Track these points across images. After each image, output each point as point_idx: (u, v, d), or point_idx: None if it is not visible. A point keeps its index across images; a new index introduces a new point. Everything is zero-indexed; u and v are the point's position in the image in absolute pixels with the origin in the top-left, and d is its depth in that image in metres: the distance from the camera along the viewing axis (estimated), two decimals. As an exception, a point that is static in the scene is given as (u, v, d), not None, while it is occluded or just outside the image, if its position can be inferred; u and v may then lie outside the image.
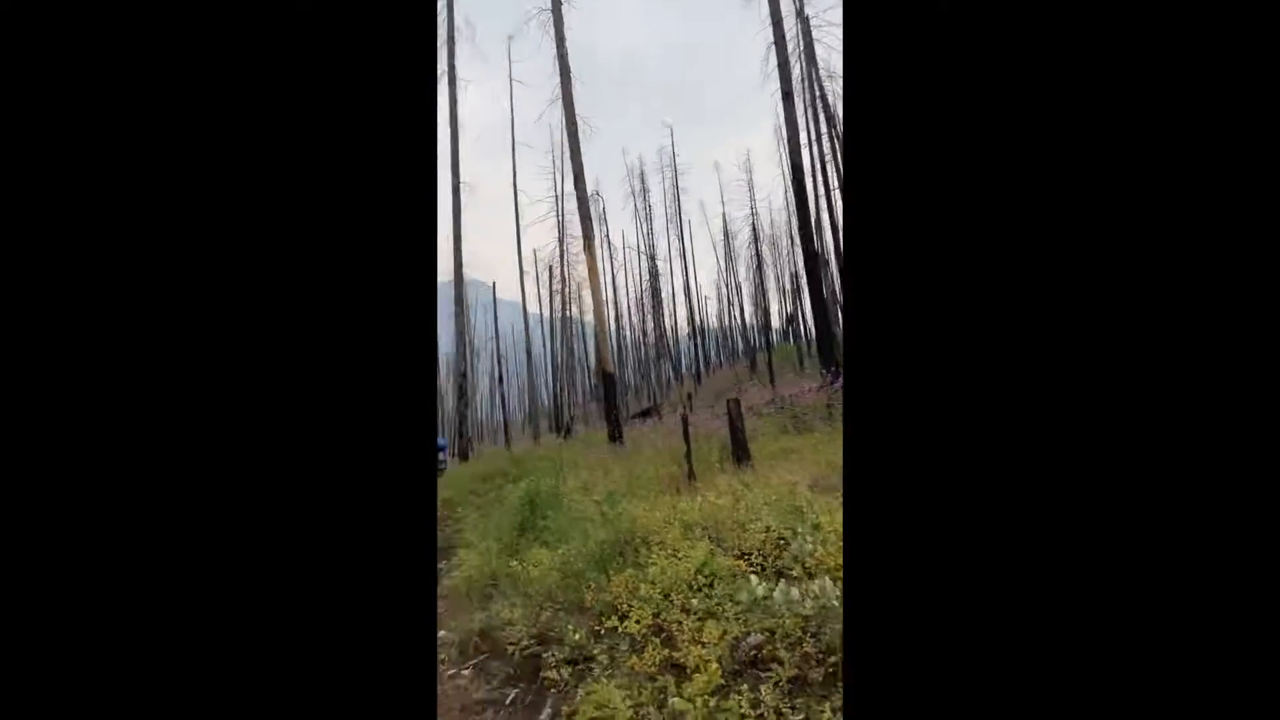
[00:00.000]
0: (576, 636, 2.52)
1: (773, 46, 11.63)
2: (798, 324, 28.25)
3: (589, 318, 28.29)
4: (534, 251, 37.69)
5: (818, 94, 17.29)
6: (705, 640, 2.15)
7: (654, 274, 28.83)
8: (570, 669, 2.46)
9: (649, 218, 29.73)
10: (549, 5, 11.49)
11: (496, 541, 4.38)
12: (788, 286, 29.62)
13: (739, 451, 5.95)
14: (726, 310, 33.79)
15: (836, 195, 17.36)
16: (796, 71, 15.69)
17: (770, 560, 2.93)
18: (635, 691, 2.06)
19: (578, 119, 10.85)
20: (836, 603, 2.24)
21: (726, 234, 31.05)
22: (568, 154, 21.28)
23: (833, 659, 2.01)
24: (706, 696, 1.89)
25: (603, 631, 2.51)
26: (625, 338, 33.02)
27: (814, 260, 11.40)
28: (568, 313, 25.15)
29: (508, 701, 2.57)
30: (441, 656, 3.16)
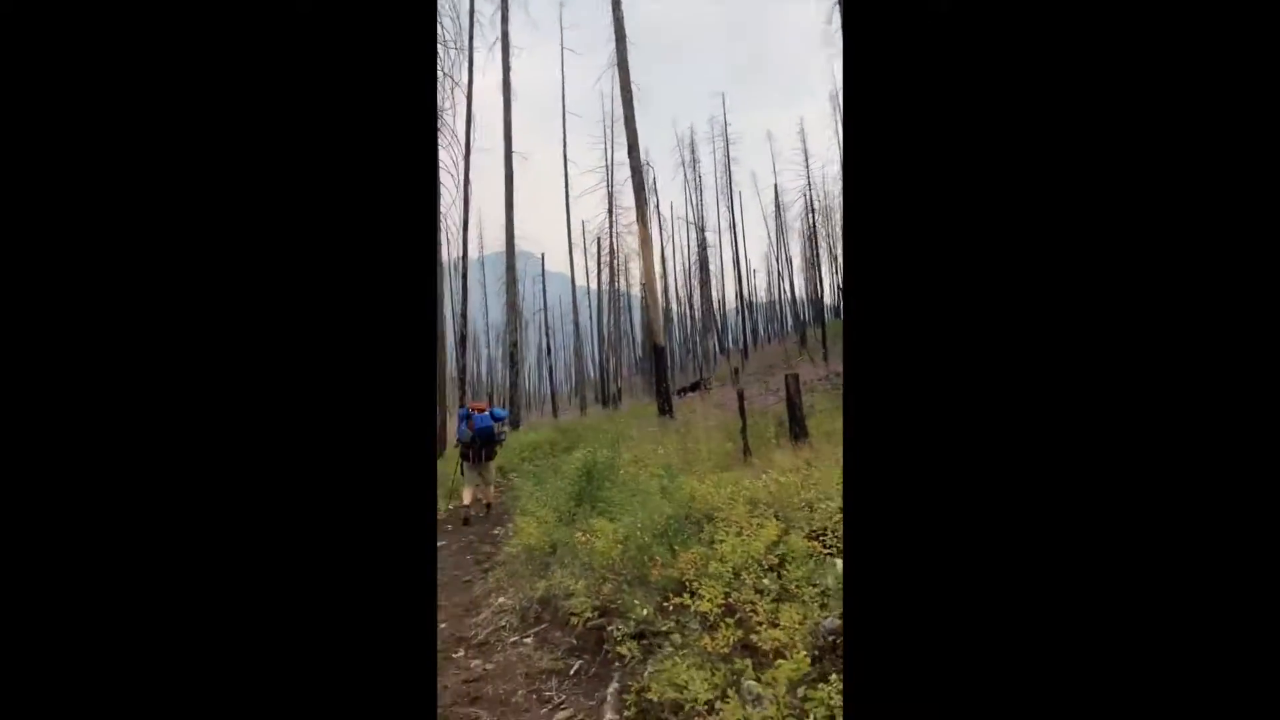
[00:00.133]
0: (644, 612, 2.47)
1: (838, 5, 11.05)
2: (850, 299, 27.30)
3: (635, 290, 28.18)
4: (582, 223, 37.66)
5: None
6: (782, 623, 2.05)
7: (703, 246, 28.41)
8: (636, 644, 2.41)
9: (699, 189, 29.19)
10: (605, -34, 11.18)
11: (553, 511, 4.39)
12: (841, 259, 28.68)
13: (796, 428, 5.79)
14: (776, 284, 33.12)
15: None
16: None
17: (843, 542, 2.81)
18: (709, 672, 2.00)
19: (633, 85, 10.60)
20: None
21: (778, 205, 30.25)
22: (618, 123, 20.90)
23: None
24: (792, 683, 1.81)
25: (671, 608, 2.45)
26: (672, 311, 32.83)
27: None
28: (616, 285, 25.09)
29: (572, 672, 2.55)
30: (502, 622, 3.18)
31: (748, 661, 1.98)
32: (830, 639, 2.05)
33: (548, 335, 26.68)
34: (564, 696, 2.37)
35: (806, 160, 27.80)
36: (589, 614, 2.76)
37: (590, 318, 30.34)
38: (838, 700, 1.68)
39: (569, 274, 26.17)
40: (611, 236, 23.53)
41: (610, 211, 22.46)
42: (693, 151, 29.54)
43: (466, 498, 6.31)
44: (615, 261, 24.43)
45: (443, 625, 3.31)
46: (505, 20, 14.33)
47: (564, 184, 21.30)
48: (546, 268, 29.84)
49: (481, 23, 14.54)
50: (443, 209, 13.02)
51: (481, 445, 6.25)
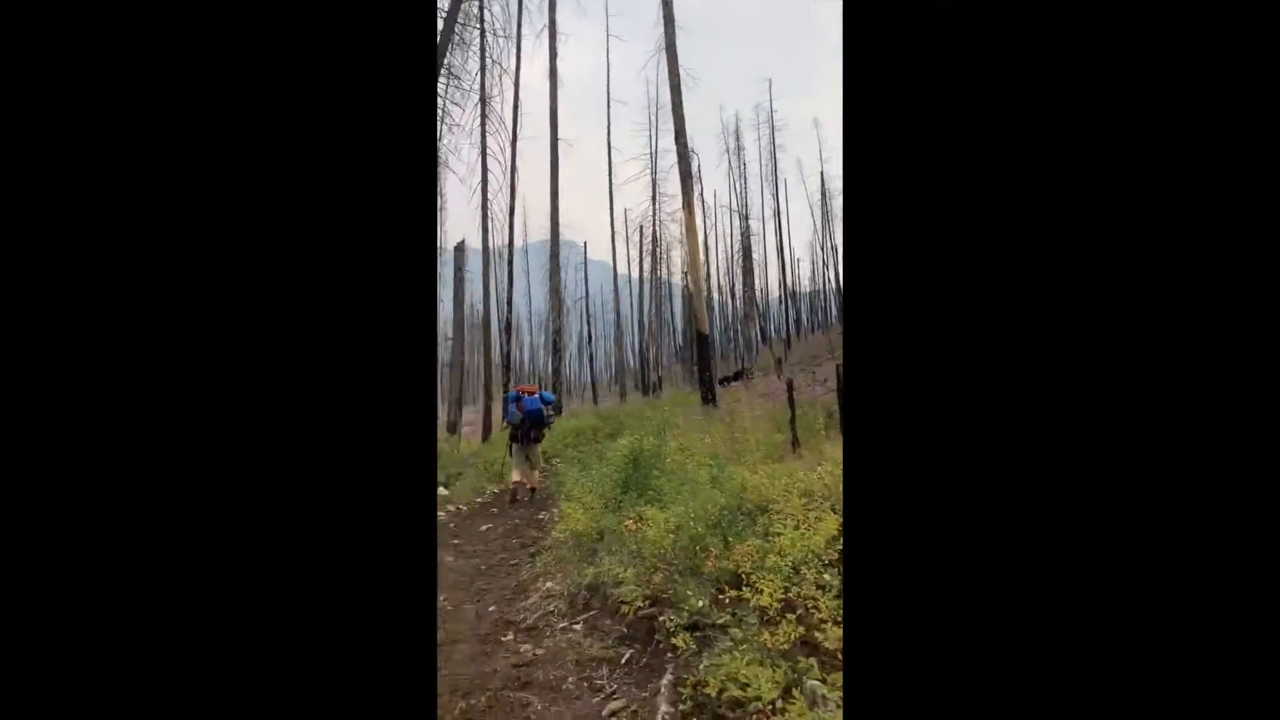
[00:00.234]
0: (699, 604, 2.40)
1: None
2: (898, 290, 26.51)
3: (676, 279, 28.00)
4: (625, 211, 37.54)
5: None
6: (848, 622, 1.95)
7: (746, 234, 27.99)
8: (690, 635, 2.35)
9: (743, 176, 28.72)
10: (653, -52, 10.98)
11: (599, 497, 4.36)
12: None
13: (848, 420, 5.60)
14: (821, 273, 32.42)
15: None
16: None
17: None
18: (770, 669, 1.92)
19: (681, 70, 10.42)
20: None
21: (824, 193, 29.51)
22: (663, 110, 20.65)
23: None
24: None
25: (727, 601, 2.38)
26: (713, 300, 32.50)
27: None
28: (658, 273, 24.95)
29: (623, 661, 2.51)
30: (550, 608, 3.17)
31: (812, 661, 1.89)
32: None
33: (589, 323, 26.78)
34: (615, 686, 2.33)
35: (855, 146, 26.92)
36: (640, 603, 2.71)
37: (631, 306, 30.32)
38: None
39: (610, 262, 26.16)
40: (654, 224, 23.40)
41: (654, 199, 22.31)
42: (737, 138, 29.06)
43: (515, 477, 6.41)
44: (658, 249, 24.29)
45: (491, 608, 3.32)
46: (553, 7, 14.29)
47: (608, 171, 21.24)
48: (588, 256, 29.90)
49: (530, 9, 14.47)
50: (490, 195, 13.12)
51: (530, 427, 6.34)
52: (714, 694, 1.91)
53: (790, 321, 30.05)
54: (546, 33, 14.26)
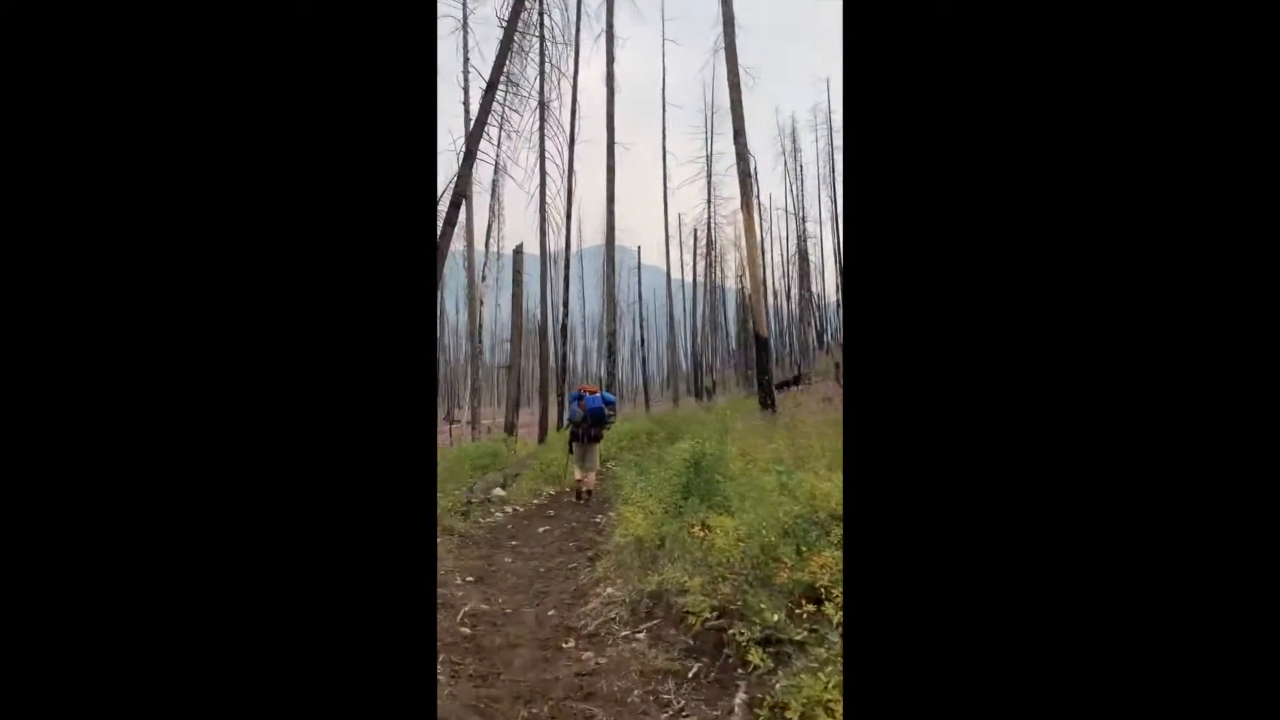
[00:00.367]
0: (773, 617, 2.25)
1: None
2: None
3: (730, 283, 27.66)
4: (679, 215, 37.47)
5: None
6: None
7: (802, 237, 27.42)
8: (764, 651, 2.20)
9: (799, 178, 28.16)
10: (712, -53, 10.86)
11: (659, 502, 4.24)
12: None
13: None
14: (881, 278, 31.29)
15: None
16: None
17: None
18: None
19: (740, 69, 10.25)
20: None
21: (886, 195, 28.52)
22: (718, 113, 20.46)
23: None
24: None
25: (804, 615, 2.22)
26: (768, 303, 31.99)
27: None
28: (713, 276, 24.74)
29: (690, 675, 2.38)
30: (611, 614, 3.07)
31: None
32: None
33: (642, 327, 26.74)
34: (684, 701, 2.20)
35: (919, 145, 26.05)
36: (707, 614, 2.58)
37: (684, 310, 30.14)
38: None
39: (663, 267, 26.08)
40: (709, 227, 23.20)
41: (709, 201, 22.13)
42: (794, 140, 28.51)
43: (577, 475, 6.48)
44: (714, 252, 24.09)
45: (550, 613, 3.24)
46: (611, 13, 14.35)
47: (662, 175, 21.20)
48: (641, 261, 29.91)
49: (588, 14, 14.54)
50: (548, 199, 13.26)
51: (590, 426, 6.37)
52: (795, 718, 1.76)
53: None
54: (604, 37, 14.35)
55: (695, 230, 25.93)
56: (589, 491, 6.44)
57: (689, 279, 29.09)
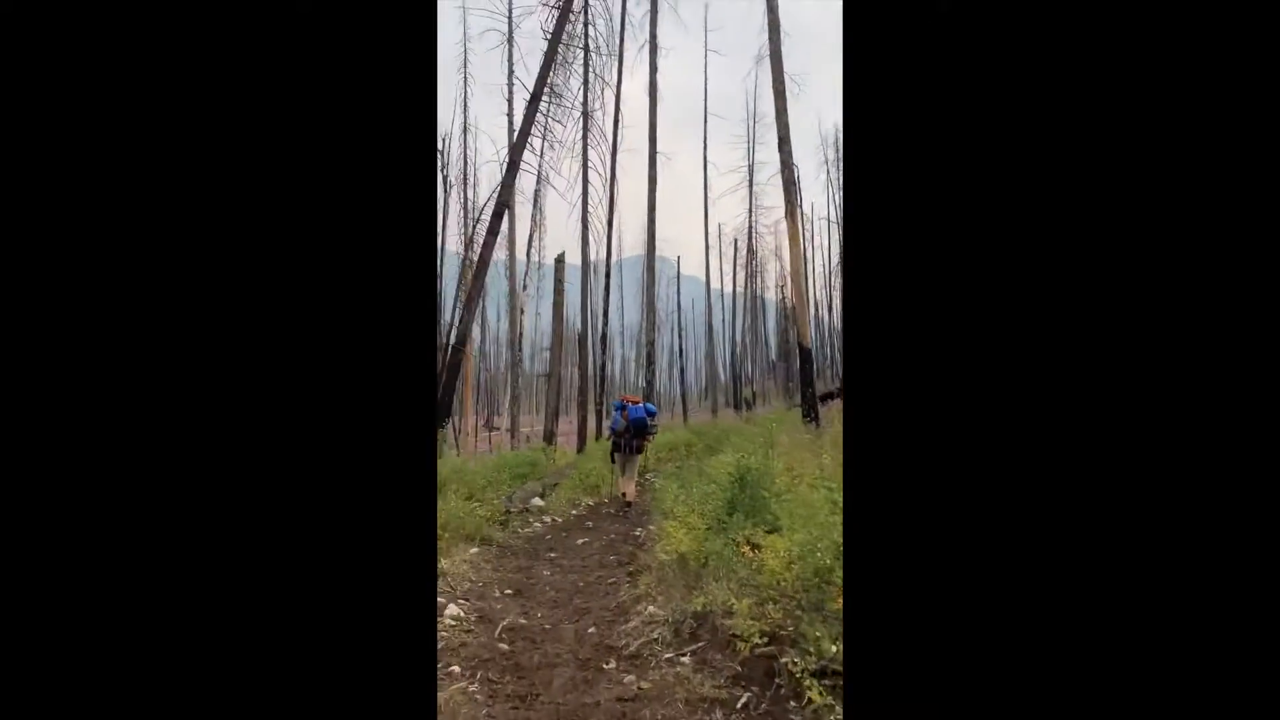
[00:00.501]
0: (831, 648, 2.10)
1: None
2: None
3: (770, 294, 27.30)
4: (719, 225, 37.31)
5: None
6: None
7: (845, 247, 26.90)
8: (821, 685, 2.05)
9: (842, 188, 27.67)
10: (758, -46, 10.76)
11: (701, 517, 4.11)
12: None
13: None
14: (927, 289, 30.48)
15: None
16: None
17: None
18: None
19: (785, 76, 10.10)
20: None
21: (933, 203, 27.82)
22: (760, 122, 20.29)
23: None
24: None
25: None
26: (809, 315, 31.44)
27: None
28: (754, 286, 24.46)
29: (739, 704, 2.24)
30: (653, 635, 2.95)
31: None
32: None
33: (680, 337, 26.57)
34: (733, 734, 2.07)
35: (968, 153, 25.33)
36: (756, 639, 2.43)
37: (723, 320, 29.89)
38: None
39: (702, 277, 25.91)
40: (750, 237, 22.99)
41: (751, 211, 21.93)
42: (837, 150, 28.09)
43: (623, 485, 6.45)
44: (755, 262, 23.85)
45: (590, 630, 3.14)
46: (654, 23, 14.39)
47: (703, 185, 21.10)
48: (680, 271, 29.78)
49: (633, 23, 14.62)
50: (589, 209, 13.30)
51: (633, 436, 6.31)
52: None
53: (893, 338, 28.40)
54: (647, 47, 14.38)
55: (736, 240, 25.73)
56: (629, 503, 6.34)
57: (728, 289, 28.85)
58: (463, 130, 15.50)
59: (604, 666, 2.66)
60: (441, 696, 2.32)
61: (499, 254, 12.97)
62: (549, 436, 12.08)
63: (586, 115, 13.58)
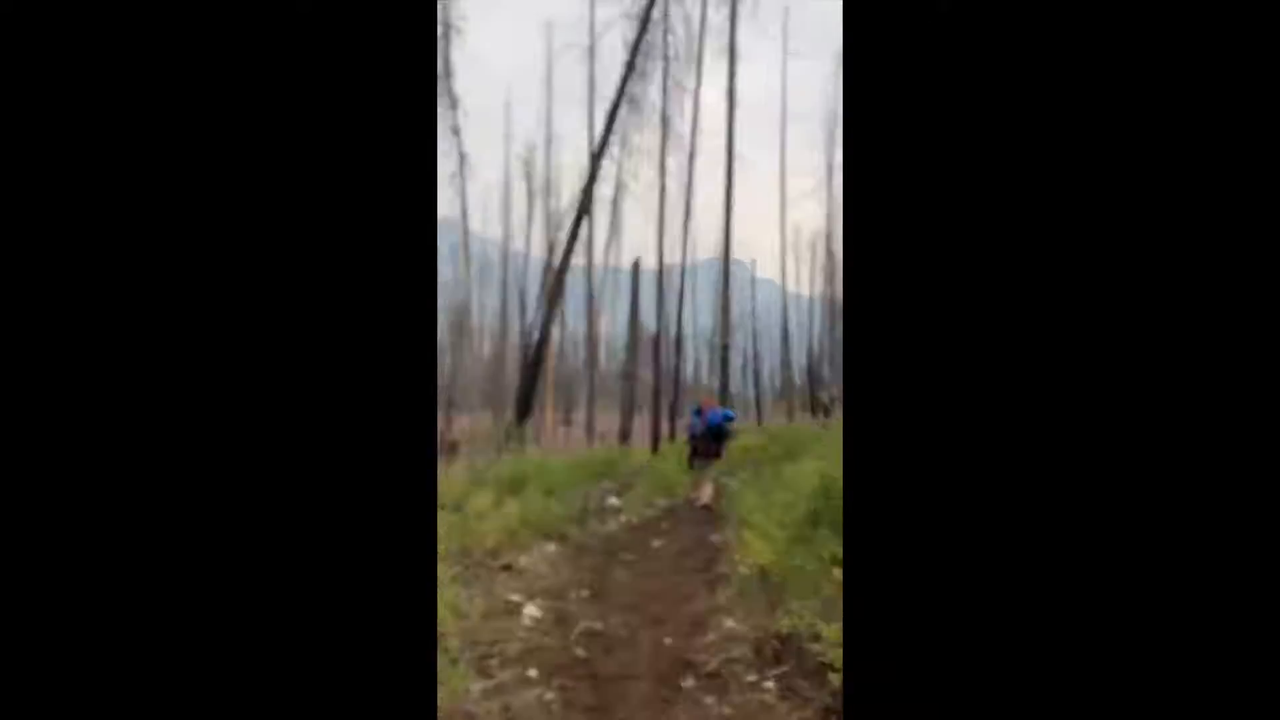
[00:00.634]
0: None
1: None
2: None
3: (852, 297, 26.36)
4: (796, 228, 36.43)
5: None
6: None
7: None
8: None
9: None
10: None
11: (781, 528, 3.95)
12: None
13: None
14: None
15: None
16: None
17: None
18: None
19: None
20: None
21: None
22: (841, 123, 19.75)
23: None
24: None
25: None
26: (892, 319, 30.08)
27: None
28: (832, 290, 23.74)
29: (830, 739, 2.09)
30: (734, 653, 2.82)
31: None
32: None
33: (755, 341, 26.14)
34: (824, 771, 1.92)
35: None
36: (847, 667, 2.27)
37: (798, 325, 29.17)
38: None
39: (778, 281, 25.39)
40: (829, 239, 22.33)
41: (829, 215, 21.31)
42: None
43: (695, 489, 6.39)
44: (832, 265, 23.16)
45: (667, 640, 3.05)
46: (734, 28, 14.21)
47: (780, 188, 20.67)
48: (755, 275, 29.31)
49: (711, 28, 14.47)
50: (666, 213, 13.27)
51: (710, 440, 6.23)
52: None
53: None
54: (726, 54, 14.20)
55: (814, 243, 25.06)
56: (706, 507, 6.24)
57: (805, 293, 28.14)
58: (545, 141, 15.85)
59: (682, 684, 2.56)
60: (518, 703, 2.30)
61: (578, 259, 13.16)
62: (624, 435, 12.12)
63: (665, 122, 13.56)
